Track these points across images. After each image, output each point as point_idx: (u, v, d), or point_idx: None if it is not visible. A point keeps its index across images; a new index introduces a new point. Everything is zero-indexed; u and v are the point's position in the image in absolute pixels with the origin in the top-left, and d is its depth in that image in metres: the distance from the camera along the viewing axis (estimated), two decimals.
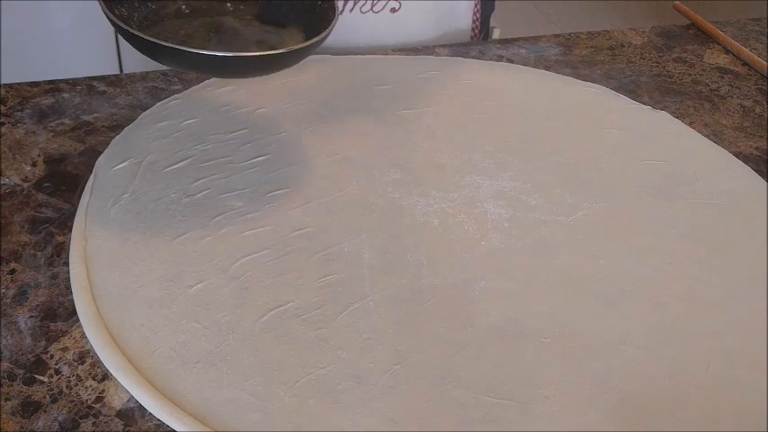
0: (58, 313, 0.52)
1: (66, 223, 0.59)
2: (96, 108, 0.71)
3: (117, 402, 0.47)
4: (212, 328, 0.51)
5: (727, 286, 0.58)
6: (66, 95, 0.72)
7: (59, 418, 0.46)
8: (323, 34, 0.60)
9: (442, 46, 0.86)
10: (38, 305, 0.53)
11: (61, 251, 0.56)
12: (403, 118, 0.72)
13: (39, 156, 0.65)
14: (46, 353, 0.50)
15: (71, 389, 0.48)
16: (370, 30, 0.89)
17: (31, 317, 0.52)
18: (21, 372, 0.49)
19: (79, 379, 0.48)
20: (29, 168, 0.64)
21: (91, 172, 0.63)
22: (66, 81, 0.74)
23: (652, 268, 0.59)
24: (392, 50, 0.85)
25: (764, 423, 0.49)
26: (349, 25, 0.87)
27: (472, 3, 0.94)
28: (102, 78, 0.75)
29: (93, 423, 0.46)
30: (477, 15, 0.95)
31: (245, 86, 0.74)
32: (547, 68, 0.83)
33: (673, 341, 0.54)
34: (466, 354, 0.51)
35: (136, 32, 0.56)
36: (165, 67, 0.78)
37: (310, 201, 0.61)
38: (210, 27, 0.64)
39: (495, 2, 0.97)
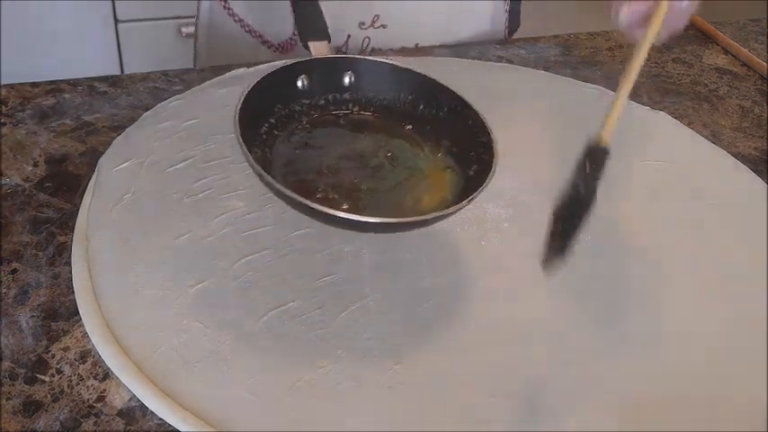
0: (60, 313, 0.52)
1: (67, 223, 0.59)
2: (97, 108, 0.71)
3: (118, 402, 0.47)
4: (213, 328, 0.51)
5: (727, 286, 0.58)
6: (67, 96, 0.72)
7: (61, 418, 0.46)
8: (485, 184, 0.52)
9: (443, 46, 0.86)
10: (39, 305, 0.53)
11: (62, 251, 0.57)
12: None
13: (40, 156, 0.65)
14: (47, 352, 0.50)
15: (72, 388, 0.48)
16: None
17: (33, 316, 0.52)
18: (22, 371, 0.49)
19: (80, 378, 0.49)
20: (30, 168, 0.64)
21: (92, 172, 0.63)
22: (68, 81, 0.74)
23: (652, 268, 0.59)
24: (392, 51, 0.85)
25: (764, 423, 0.49)
26: None
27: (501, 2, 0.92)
28: (103, 79, 0.75)
29: (95, 422, 0.46)
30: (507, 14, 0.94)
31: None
32: (546, 69, 0.83)
33: (673, 341, 0.54)
34: (466, 354, 0.51)
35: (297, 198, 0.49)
36: (165, 68, 0.78)
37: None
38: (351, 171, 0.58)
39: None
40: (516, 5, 0.93)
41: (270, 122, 0.59)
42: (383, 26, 0.84)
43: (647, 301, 0.56)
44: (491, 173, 0.53)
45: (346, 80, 0.62)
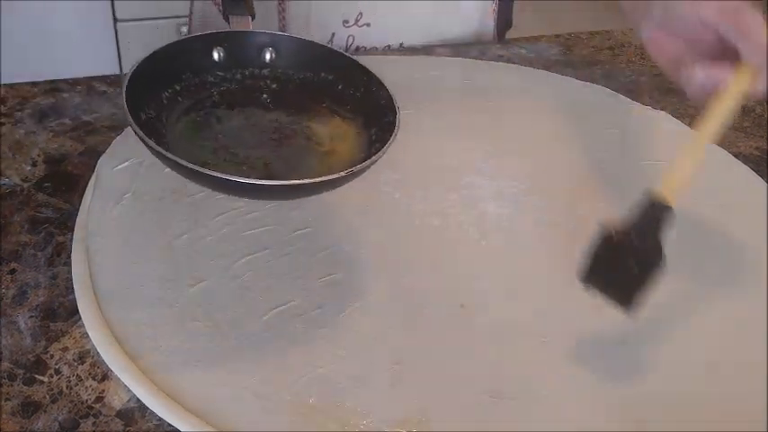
0: (58, 313, 0.52)
1: (65, 223, 0.59)
2: (96, 108, 0.71)
3: (117, 402, 0.47)
4: (213, 327, 0.51)
5: (727, 286, 0.58)
6: (66, 95, 0.72)
7: (59, 418, 0.46)
8: (385, 148, 0.52)
9: (442, 46, 0.86)
10: (38, 305, 0.53)
11: (61, 251, 0.56)
12: (403, 118, 0.72)
13: (39, 156, 0.65)
14: (46, 353, 0.50)
15: (71, 389, 0.48)
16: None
17: (31, 317, 0.52)
18: (21, 372, 0.48)
19: (79, 379, 0.48)
20: (29, 168, 0.64)
21: (91, 172, 0.63)
22: (67, 81, 0.74)
23: None
24: (391, 51, 0.85)
25: (764, 423, 0.49)
26: None
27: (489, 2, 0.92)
28: (102, 78, 0.74)
29: (93, 423, 0.46)
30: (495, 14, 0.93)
31: None
32: (547, 68, 0.83)
33: (673, 341, 0.54)
34: (466, 354, 0.51)
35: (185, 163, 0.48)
36: None
37: (311, 201, 0.61)
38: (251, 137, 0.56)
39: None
40: (505, 6, 0.93)
41: (174, 89, 0.56)
42: (367, 24, 0.84)
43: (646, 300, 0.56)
44: (382, 150, 0.52)
45: (267, 56, 0.59)
